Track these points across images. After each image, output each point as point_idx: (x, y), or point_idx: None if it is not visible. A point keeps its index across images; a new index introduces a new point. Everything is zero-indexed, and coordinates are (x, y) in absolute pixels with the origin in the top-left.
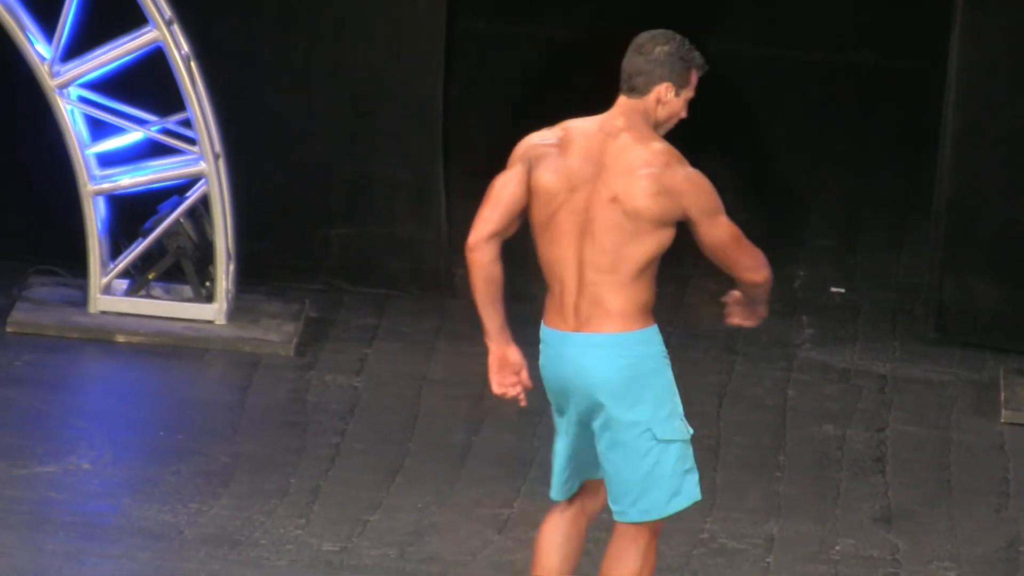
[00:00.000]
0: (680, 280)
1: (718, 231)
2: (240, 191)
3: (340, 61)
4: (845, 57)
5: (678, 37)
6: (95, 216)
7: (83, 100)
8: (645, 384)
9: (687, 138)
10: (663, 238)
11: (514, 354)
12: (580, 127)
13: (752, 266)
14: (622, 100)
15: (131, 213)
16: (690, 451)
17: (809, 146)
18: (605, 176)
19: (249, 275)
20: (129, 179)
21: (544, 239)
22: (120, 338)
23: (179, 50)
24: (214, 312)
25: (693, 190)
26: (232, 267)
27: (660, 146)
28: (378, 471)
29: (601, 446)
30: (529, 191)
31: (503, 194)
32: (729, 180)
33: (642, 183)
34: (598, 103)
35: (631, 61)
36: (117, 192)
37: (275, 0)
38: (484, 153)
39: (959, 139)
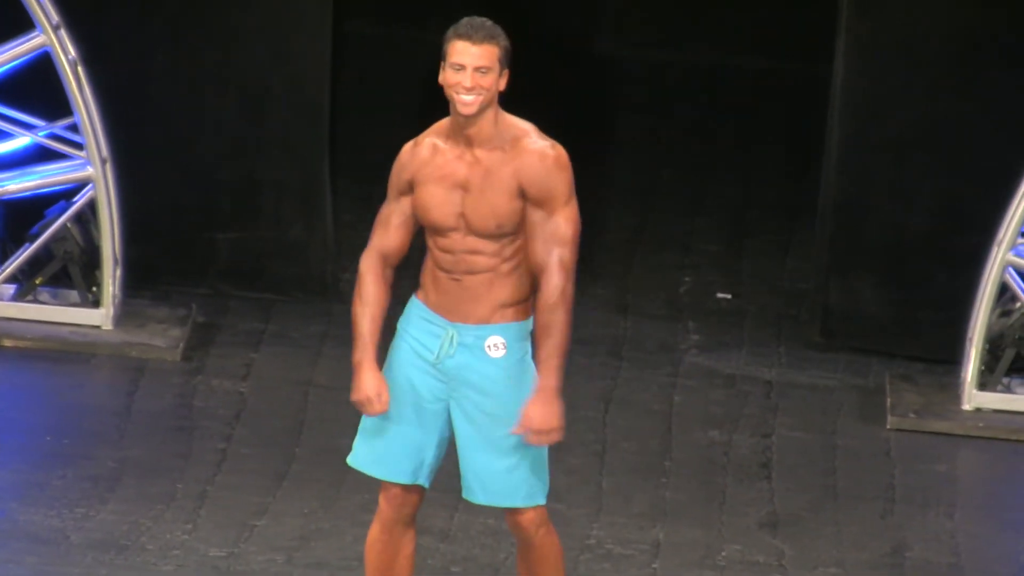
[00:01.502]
0: None
1: None
2: (127, 195)
3: (228, 65)
4: (731, 60)
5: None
6: None
7: None
8: None
9: (571, 141)
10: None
11: None
12: None
13: None
14: None
15: (18, 218)
16: (364, 418)
17: (695, 150)
18: None
19: (136, 280)
20: (16, 184)
21: None
22: (7, 343)
23: (66, 55)
24: (101, 317)
25: None
26: (119, 272)
27: None
28: (265, 476)
29: None
30: None
31: None
32: (615, 184)
33: None
34: None
35: None
36: (4, 197)
37: (163, 5)
38: (371, 157)
39: (844, 144)
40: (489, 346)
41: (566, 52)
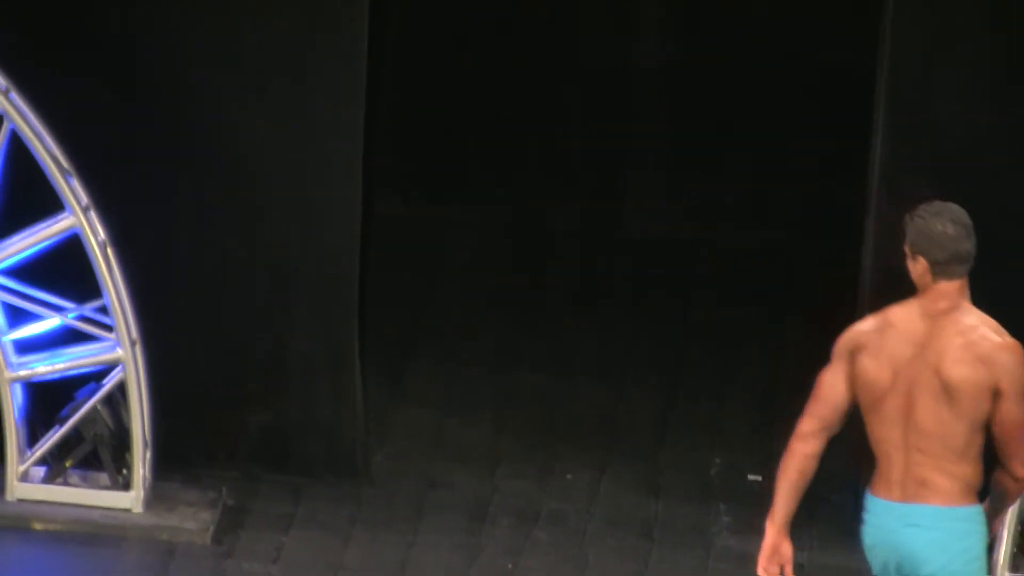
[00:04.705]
0: (597, 466)
1: (1019, 411)
2: (157, 376)
3: (256, 245)
4: (762, 237)
5: None
6: (12, 403)
7: (0, 287)
8: (962, 563)
9: (599, 320)
10: (982, 413)
11: (788, 548)
12: (901, 313)
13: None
14: (943, 286)
15: (48, 399)
16: None
17: (724, 329)
18: (926, 355)
19: (166, 462)
20: (46, 366)
21: (872, 420)
22: (38, 525)
23: (96, 236)
24: (131, 500)
25: (1010, 360)
26: (149, 454)
27: (976, 318)
28: None
29: None
30: (854, 378)
31: (828, 393)
32: (644, 362)
33: (957, 353)
34: (510, 283)
35: (965, 245)
36: (34, 379)
37: (189, 184)
38: (401, 337)
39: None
40: None
41: (594, 233)
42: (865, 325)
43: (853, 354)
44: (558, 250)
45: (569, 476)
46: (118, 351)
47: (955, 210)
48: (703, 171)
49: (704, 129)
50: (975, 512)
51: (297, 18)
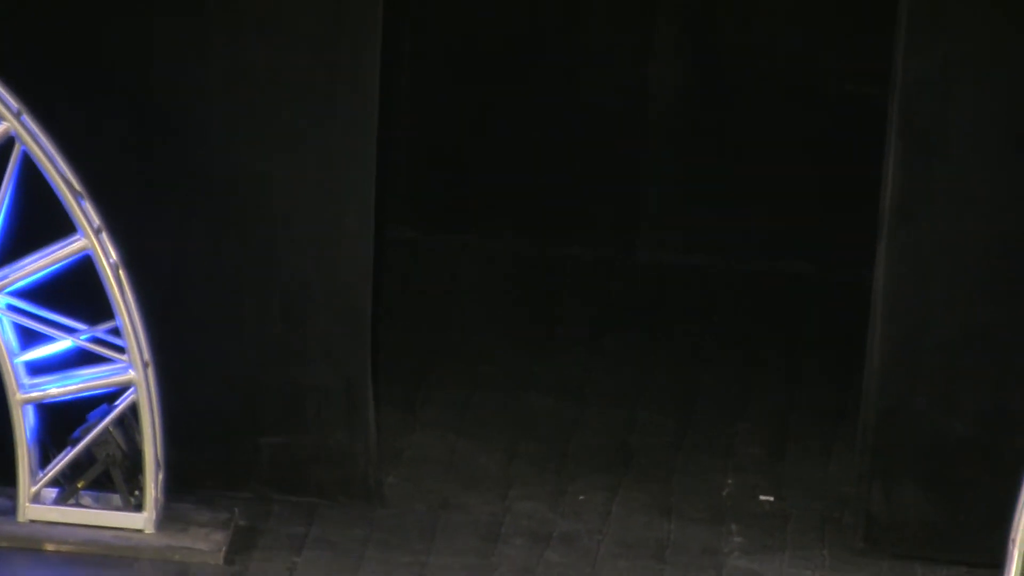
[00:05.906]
0: (609, 488)
1: None
2: (169, 399)
3: (269, 270)
4: (775, 266)
5: None
6: (24, 424)
7: (12, 308)
8: None
9: (614, 346)
10: None
11: None
12: None
13: None
14: None
15: (60, 421)
16: None
17: (738, 354)
18: None
19: (178, 483)
20: (58, 388)
21: None
22: (49, 546)
23: (108, 258)
24: (143, 521)
25: None
26: (161, 476)
27: None
28: None
29: None
30: None
31: None
32: (657, 388)
33: None
34: (523, 309)
35: None
36: (46, 401)
37: (203, 208)
38: (413, 363)
39: (887, 351)
40: None
41: (607, 260)
42: None
43: None
44: (571, 276)
45: (581, 497)
46: (130, 373)
47: None
48: (716, 199)
49: (717, 158)
50: None
51: (310, 47)
